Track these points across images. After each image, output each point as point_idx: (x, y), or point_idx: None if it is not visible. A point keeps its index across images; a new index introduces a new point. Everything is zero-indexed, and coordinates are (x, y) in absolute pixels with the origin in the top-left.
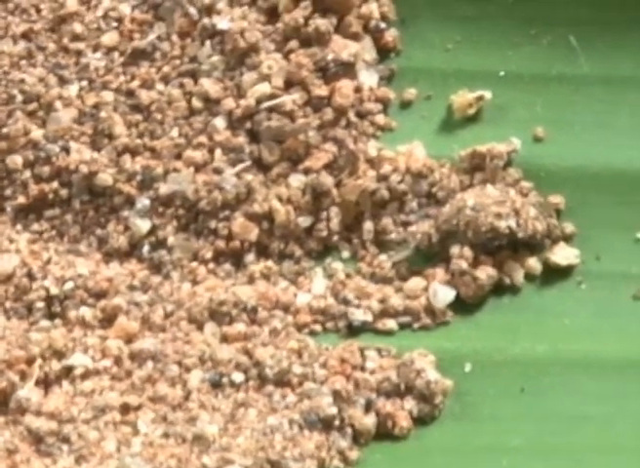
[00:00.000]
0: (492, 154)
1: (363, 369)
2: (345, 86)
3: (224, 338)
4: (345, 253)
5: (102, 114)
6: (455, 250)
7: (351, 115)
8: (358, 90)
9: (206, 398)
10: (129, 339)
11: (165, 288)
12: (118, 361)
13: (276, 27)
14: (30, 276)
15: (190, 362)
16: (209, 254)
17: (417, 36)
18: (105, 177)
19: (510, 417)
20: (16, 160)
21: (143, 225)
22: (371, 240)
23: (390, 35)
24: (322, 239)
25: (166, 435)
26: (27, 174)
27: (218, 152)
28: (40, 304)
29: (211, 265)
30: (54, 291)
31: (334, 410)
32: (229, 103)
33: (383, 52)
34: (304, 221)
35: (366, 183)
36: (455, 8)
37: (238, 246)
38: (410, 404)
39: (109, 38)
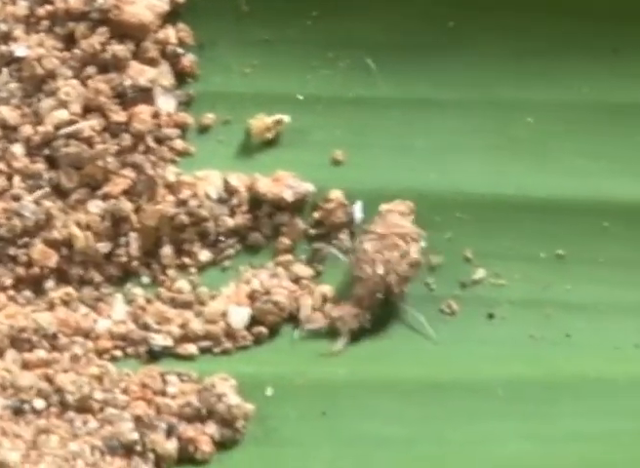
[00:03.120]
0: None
1: (164, 394)
2: (143, 111)
3: (25, 365)
4: (145, 279)
5: None
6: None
7: (149, 140)
8: (156, 115)
9: (7, 425)
10: None
11: None
12: None
13: (73, 54)
14: None
15: None
16: (8, 282)
17: (214, 61)
18: None
19: (312, 441)
20: None
21: None
22: (170, 265)
23: (188, 60)
24: (121, 264)
25: None
26: None
27: (16, 179)
28: None
29: (10, 292)
30: None
31: (135, 436)
32: (27, 130)
33: (181, 77)
34: (104, 247)
35: (165, 209)
36: (252, 32)
37: (38, 272)
38: (211, 428)
39: None
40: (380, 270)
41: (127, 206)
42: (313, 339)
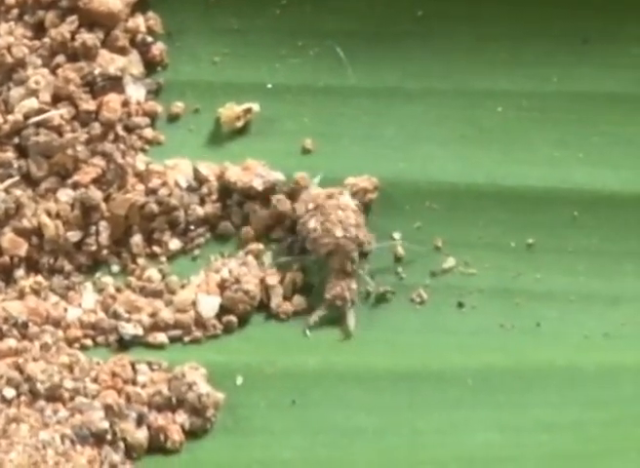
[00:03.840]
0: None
1: (134, 382)
2: (113, 100)
3: None
4: (115, 268)
5: None
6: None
7: (119, 129)
8: (125, 104)
9: None
10: None
11: None
12: None
13: (43, 42)
14: None
15: None
16: None
17: (183, 50)
18: None
19: (282, 430)
20: None
21: None
22: (140, 254)
23: (157, 49)
24: (91, 253)
25: None
26: None
27: None
28: None
29: None
30: None
31: (105, 425)
32: None
33: (151, 65)
34: (74, 236)
35: (135, 197)
36: (221, 21)
37: (8, 261)
38: (182, 417)
39: None
40: (340, 232)
41: (97, 195)
42: (283, 328)
